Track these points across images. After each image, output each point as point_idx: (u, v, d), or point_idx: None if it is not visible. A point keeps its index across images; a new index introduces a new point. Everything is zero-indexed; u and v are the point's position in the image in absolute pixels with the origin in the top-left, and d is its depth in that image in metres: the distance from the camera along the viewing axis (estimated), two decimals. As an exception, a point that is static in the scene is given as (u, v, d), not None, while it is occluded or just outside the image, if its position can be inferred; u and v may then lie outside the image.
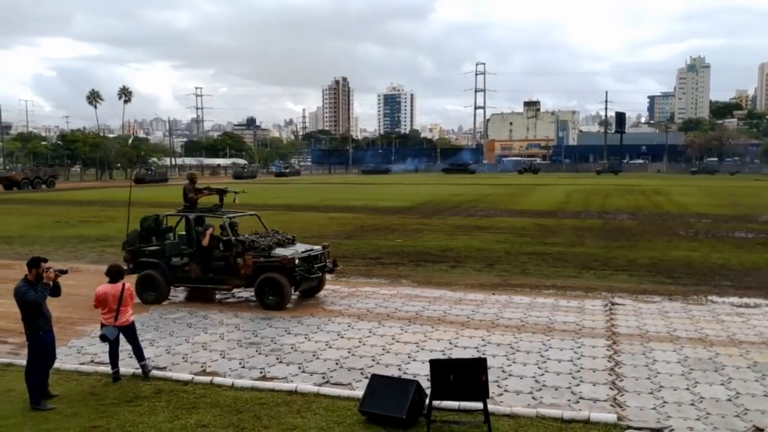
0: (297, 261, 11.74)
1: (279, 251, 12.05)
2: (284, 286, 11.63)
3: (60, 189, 58.92)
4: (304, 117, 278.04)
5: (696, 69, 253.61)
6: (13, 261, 16.51)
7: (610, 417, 6.77)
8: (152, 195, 49.09)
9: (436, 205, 37.34)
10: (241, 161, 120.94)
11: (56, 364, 7.93)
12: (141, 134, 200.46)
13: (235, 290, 12.70)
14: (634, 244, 20.04)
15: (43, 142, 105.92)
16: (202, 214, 12.88)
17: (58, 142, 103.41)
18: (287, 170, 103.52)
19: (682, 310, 11.56)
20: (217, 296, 13.02)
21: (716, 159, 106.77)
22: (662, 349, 9.20)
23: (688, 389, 7.65)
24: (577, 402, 7.28)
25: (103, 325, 8.02)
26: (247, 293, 12.76)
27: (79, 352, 9.38)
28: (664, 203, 36.99)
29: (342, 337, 9.92)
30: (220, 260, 12.29)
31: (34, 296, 7.24)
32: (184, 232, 13.07)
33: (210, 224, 12.77)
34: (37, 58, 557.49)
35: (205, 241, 12.21)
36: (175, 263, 12.48)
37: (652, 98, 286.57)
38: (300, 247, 12.53)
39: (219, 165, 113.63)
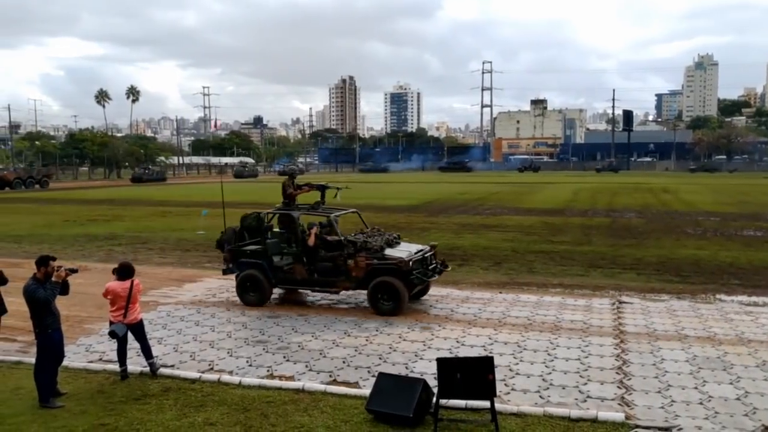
0: (412, 263, 11.07)
1: (392, 252, 11.38)
2: (401, 290, 10.91)
3: (54, 188, 58.01)
4: (311, 116, 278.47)
5: (704, 66, 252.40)
6: (21, 260, 16.60)
7: (618, 416, 6.75)
8: (157, 194, 49.28)
9: (443, 203, 37.30)
10: (249, 160, 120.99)
11: (65, 362, 7.98)
12: (149, 133, 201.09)
13: (342, 292, 11.97)
14: (642, 243, 19.96)
15: (52, 141, 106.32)
16: (307, 212, 12.36)
17: (67, 141, 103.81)
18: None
19: (690, 309, 11.51)
20: (309, 298, 12.66)
21: (725, 157, 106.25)
22: (670, 348, 9.17)
23: (696, 388, 7.62)
24: (585, 401, 7.27)
25: (111, 323, 8.05)
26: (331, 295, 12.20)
27: (88, 350, 9.42)
28: (672, 201, 36.83)
29: (349, 335, 9.92)
30: (327, 261, 11.59)
31: (44, 294, 7.28)
32: (276, 230, 12.57)
33: (314, 222, 12.24)
34: (44, 58, 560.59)
35: (311, 241, 11.58)
36: (277, 263, 11.83)
37: (659, 96, 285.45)
38: (410, 247, 11.87)
39: (226, 164, 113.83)
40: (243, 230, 12.50)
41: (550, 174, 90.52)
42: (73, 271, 7.73)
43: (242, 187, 58.21)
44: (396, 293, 10.95)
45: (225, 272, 12.59)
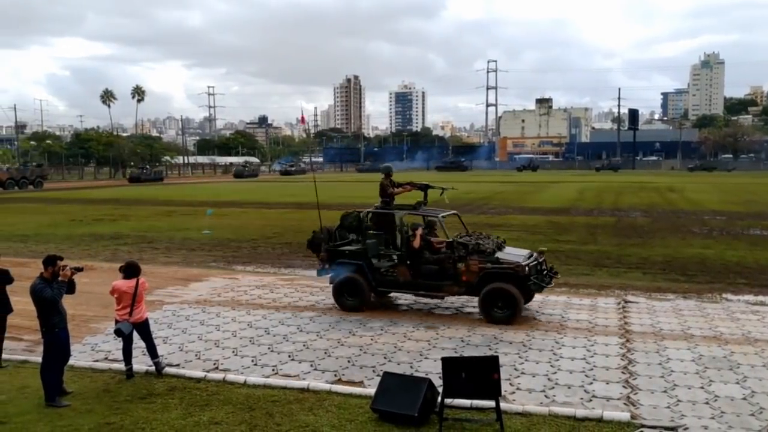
0: (529, 269, 10.49)
1: (505, 256, 10.84)
2: (517, 297, 10.33)
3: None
4: (315, 115, 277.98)
5: (710, 65, 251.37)
6: (28, 259, 16.66)
7: (624, 415, 6.73)
8: (162, 194, 49.41)
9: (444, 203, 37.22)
10: (254, 159, 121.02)
11: (71, 362, 8.01)
12: (154, 133, 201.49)
13: (447, 298, 11.44)
14: (648, 242, 19.91)
15: (57, 141, 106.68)
16: (411, 212, 11.83)
17: (73, 141, 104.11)
18: (293, 168, 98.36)
19: (696, 308, 11.47)
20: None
21: (731, 156, 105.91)
22: (676, 347, 9.14)
23: (702, 388, 7.60)
24: (590, 400, 7.25)
25: (117, 321, 8.07)
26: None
27: (93, 349, 9.45)
28: (678, 200, 36.72)
29: (354, 334, 9.93)
30: (433, 264, 11.04)
31: (51, 293, 7.32)
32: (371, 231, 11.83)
33: (419, 224, 11.75)
34: (50, 58, 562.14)
35: (416, 243, 11.05)
36: (378, 265, 11.25)
37: (665, 95, 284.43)
38: (519, 251, 11.38)
39: (231, 163, 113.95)
40: (342, 230, 12.03)
41: (550, 173, 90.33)
42: (79, 269, 7.76)
43: (243, 187, 58.33)
44: (512, 300, 10.31)
45: (320, 273, 12.02)
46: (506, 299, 10.34)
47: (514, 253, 11.15)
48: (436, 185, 12.58)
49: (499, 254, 10.80)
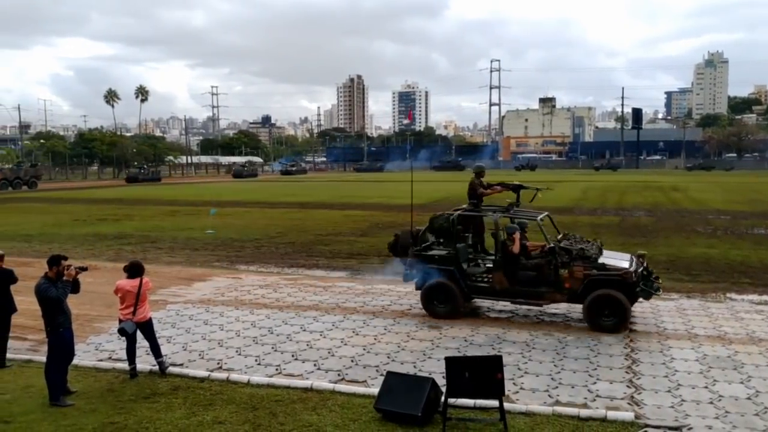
0: (636, 275, 10.06)
1: (611, 261, 10.32)
2: (626, 305, 9.82)
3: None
4: (319, 115, 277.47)
5: (714, 64, 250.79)
6: (32, 259, 16.70)
7: (627, 415, 6.72)
8: (166, 193, 49.47)
9: (452, 202, 37.19)
10: (258, 159, 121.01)
11: (75, 361, 8.02)
12: (158, 133, 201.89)
13: (546, 305, 10.92)
14: (652, 241, 19.86)
15: (61, 141, 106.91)
16: (504, 215, 11.41)
17: (77, 141, 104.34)
18: (293, 168, 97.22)
19: (700, 308, 11.45)
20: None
21: (735, 155, 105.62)
22: (680, 347, 9.12)
23: (706, 387, 7.58)
24: (594, 400, 7.24)
25: (121, 321, 8.09)
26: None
27: (97, 348, 9.47)
28: (682, 200, 36.64)
29: (357, 334, 9.93)
30: (532, 270, 10.56)
31: (56, 293, 7.35)
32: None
33: (515, 227, 11.14)
34: (54, 58, 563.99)
35: (516, 248, 10.56)
36: (470, 271, 10.82)
37: (669, 94, 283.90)
38: (621, 256, 10.94)
39: (234, 163, 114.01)
40: (430, 233, 11.40)
41: (551, 172, 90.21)
42: (83, 269, 7.79)
43: (244, 187, 58.37)
44: (620, 308, 9.82)
45: (406, 278, 11.49)
46: (613, 307, 9.84)
47: (617, 258, 10.68)
48: (530, 186, 12.21)
49: (603, 259, 10.31)
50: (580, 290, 10.10)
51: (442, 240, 11.28)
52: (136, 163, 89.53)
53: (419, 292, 11.18)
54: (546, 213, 11.78)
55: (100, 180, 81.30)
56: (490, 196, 12.13)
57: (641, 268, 10.36)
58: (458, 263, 10.79)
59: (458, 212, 11.48)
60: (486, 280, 10.75)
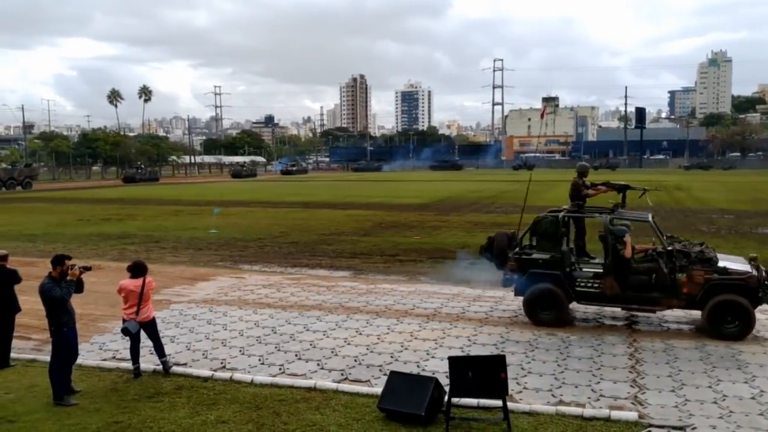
0: (759, 279, 9.53)
1: (730, 265, 9.83)
2: (750, 311, 9.37)
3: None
4: (322, 114, 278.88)
5: (717, 63, 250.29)
6: (36, 258, 16.74)
7: (631, 415, 6.71)
8: (169, 193, 49.54)
9: (454, 201, 37.23)
10: (261, 159, 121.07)
11: (79, 360, 8.04)
12: (161, 132, 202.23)
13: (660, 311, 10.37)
14: (655, 241, 19.79)
15: (65, 141, 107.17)
16: (613, 216, 11.02)
17: (80, 141, 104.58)
18: (293, 168, 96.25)
19: (704, 307, 11.39)
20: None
21: (738, 154, 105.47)
22: (684, 347, 9.11)
23: (710, 387, 7.57)
24: (598, 399, 7.23)
25: (124, 320, 8.11)
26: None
27: (101, 348, 9.49)
28: (686, 199, 36.57)
29: (360, 334, 9.93)
30: (644, 274, 10.09)
31: (60, 293, 7.37)
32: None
33: (625, 229, 10.67)
34: (58, 58, 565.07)
35: (628, 252, 10.09)
36: (578, 275, 10.27)
37: (672, 93, 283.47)
38: (736, 259, 10.45)
39: (237, 163, 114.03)
40: (533, 235, 10.88)
41: (550, 171, 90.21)
42: (87, 269, 7.81)
43: (243, 187, 58.40)
44: (744, 314, 9.35)
45: (505, 284, 11.04)
46: (737, 313, 9.38)
47: (735, 261, 10.23)
48: (636, 186, 11.80)
49: (723, 263, 9.84)
50: (699, 296, 9.61)
51: (542, 243, 10.73)
52: (138, 162, 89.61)
53: (520, 298, 10.66)
54: (651, 213, 11.35)
55: (103, 180, 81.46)
56: (595, 196, 11.69)
57: (765, 272, 9.77)
58: (564, 267, 10.33)
59: (562, 214, 10.98)
60: (595, 285, 10.20)
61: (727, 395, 7.30)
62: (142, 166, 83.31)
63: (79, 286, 7.71)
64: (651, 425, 6.52)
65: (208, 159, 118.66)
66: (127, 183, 69.30)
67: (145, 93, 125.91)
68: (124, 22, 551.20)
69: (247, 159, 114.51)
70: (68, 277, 7.50)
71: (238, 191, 50.78)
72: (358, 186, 57.18)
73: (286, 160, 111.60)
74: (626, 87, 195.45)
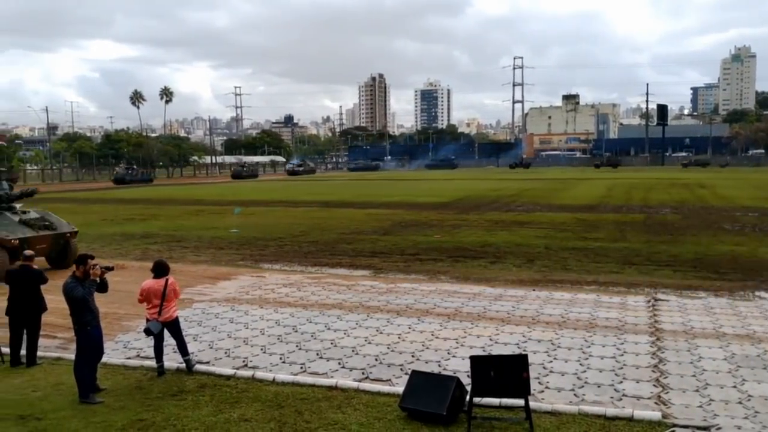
0: None
1: None
2: None
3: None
4: (341, 114, 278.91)
5: (741, 59, 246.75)
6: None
7: (655, 415, 6.64)
8: (191, 193, 49.93)
9: (474, 200, 37.12)
10: (280, 158, 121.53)
11: (104, 359, 8.14)
12: (182, 133, 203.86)
13: None
14: (678, 239, 19.62)
15: (88, 142, 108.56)
16: None
17: (103, 142, 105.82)
18: (300, 168, 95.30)
19: (728, 306, 11.28)
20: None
21: (763, 151, 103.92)
22: (708, 346, 8.99)
23: (735, 387, 7.47)
24: (620, 399, 7.17)
25: (147, 320, 8.20)
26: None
27: (126, 346, 9.60)
28: (709, 197, 36.11)
29: (381, 333, 9.94)
30: None
31: (82, 292, 7.47)
32: None
33: None
34: (80, 60, 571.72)
35: None
36: None
37: (695, 89, 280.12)
38: None
39: (257, 163, 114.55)
40: None
41: (567, 170, 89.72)
42: (109, 269, 7.92)
43: (246, 187, 58.61)
44: None
45: None
46: None
47: None
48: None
49: None
50: None
51: None
52: (161, 163, 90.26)
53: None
54: None
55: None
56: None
57: None
58: None
59: None
60: None
61: (753, 395, 7.19)
62: (134, 166, 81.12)
63: (102, 286, 7.81)
64: (675, 425, 6.46)
65: (229, 159, 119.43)
66: (118, 184, 66.92)
67: (167, 94, 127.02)
68: (145, 24, 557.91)
69: (267, 159, 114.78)
70: (90, 277, 7.61)
71: (237, 192, 51.03)
72: (376, 185, 57.23)
73: (295, 161, 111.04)
74: (647, 84, 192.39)
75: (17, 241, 14.16)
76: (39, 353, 8.92)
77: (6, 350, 8.91)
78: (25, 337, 8.78)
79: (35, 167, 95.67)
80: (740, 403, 7.00)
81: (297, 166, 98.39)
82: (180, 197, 45.17)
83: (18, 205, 16.14)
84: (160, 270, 8.32)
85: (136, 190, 57.32)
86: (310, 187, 54.10)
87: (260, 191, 50.44)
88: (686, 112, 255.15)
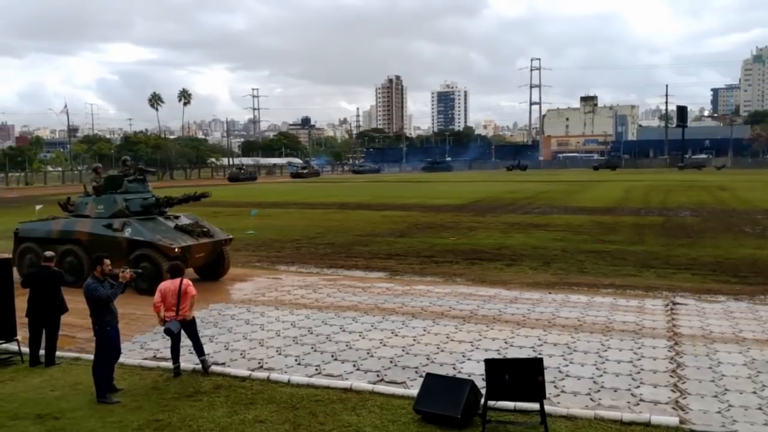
0: None
1: None
2: None
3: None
4: (357, 116, 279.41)
5: (763, 59, 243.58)
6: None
7: (672, 420, 6.57)
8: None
9: (491, 202, 36.99)
10: (297, 160, 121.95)
11: (121, 359, 8.22)
12: (200, 135, 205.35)
13: None
14: (697, 242, 19.40)
15: (108, 144, 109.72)
16: None
17: (122, 144, 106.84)
18: (305, 171, 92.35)
19: (748, 311, 11.13)
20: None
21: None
22: (727, 351, 8.88)
23: (755, 392, 7.36)
24: (637, 404, 7.10)
25: (165, 321, 8.26)
26: None
27: (142, 347, 9.68)
28: (729, 199, 35.70)
29: (396, 335, 9.93)
30: None
31: (105, 293, 7.59)
32: None
33: None
34: (100, 63, 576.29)
35: None
36: None
37: (715, 91, 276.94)
38: None
39: (275, 164, 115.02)
40: None
41: (584, 172, 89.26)
42: (138, 272, 8.07)
43: (254, 190, 58.77)
44: None
45: None
46: None
47: None
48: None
49: None
50: None
51: None
52: (179, 165, 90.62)
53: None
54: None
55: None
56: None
57: None
58: None
59: None
60: None
61: (773, 401, 7.09)
62: (99, 167, 78.81)
63: (122, 287, 7.93)
64: (692, 431, 6.38)
65: (246, 161, 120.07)
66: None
67: (185, 96, 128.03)
68: (164, 27, 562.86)
69: (284, 161, 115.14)
70: (119, 279, 7.74)
71: (266, 193, 51.20)
72: (393, 187, 57.23)
73: (297, 163, 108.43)
74: (667, 85, 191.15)
75: (180, 250, 13.01)
76: (57, 353, 9.01)
77: (25, 350, 9.02)
78: (44, 337, 8.89)
79: (58, 169, 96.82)
80: (760, 409, 6.91)
81: (301, 168, 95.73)
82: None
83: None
84: (176, 271, 8.42)
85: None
86: (329, 189, 54.22)
87: (276, 193, 50.65)
88: (706, 113, 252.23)
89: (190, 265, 13.37)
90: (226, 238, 14.82)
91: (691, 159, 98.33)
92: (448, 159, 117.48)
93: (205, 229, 14.40)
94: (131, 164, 16.24)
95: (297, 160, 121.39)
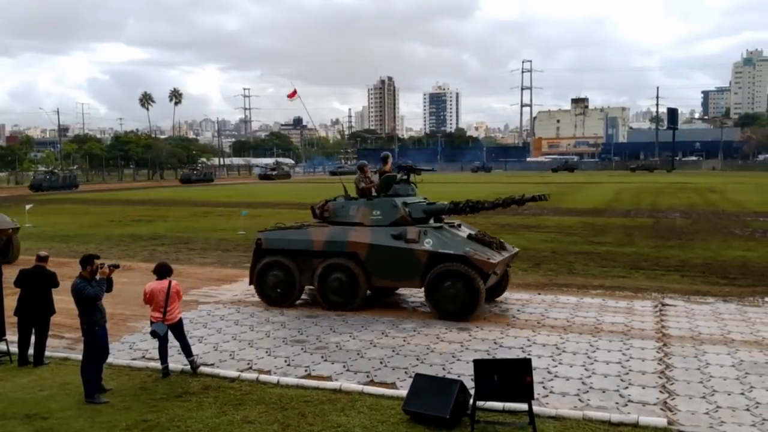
0: None
1: None
2: None
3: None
4: (350, 116, 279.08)
5: (753, 62, 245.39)
6: (69, 259, 17.04)
7: (660, 421, 6.60)
8: (200, 194, 50.05)
9: (482, 203, 36.99)
10: (288, 161, 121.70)
11: (109, 359, 8.19)
12: (191, 135, 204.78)
13: None
14: (687, 244, 19.50)
15: (98, 144, 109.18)
16: None
17: (113, 144, 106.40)
18: (273, 172, 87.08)
19: (737, 312, 11.20)
20: None
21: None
22: (716, 352, 8.93)
23: (743, 394, 7.40)
24: (626, 405, 7.13)
25: (152, 322, 8.22)
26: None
27: (131, 347, 9.63)
28: (719, 201, 35.90)
29: (386, 335, 9.93)
30: None
31: (93, 291, 7.53)
32: None
33: None
34: (92, 63, 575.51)
35: None
36: None
37: (706, 93, 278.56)
38: None
39: (265, 165, 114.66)
40: None
41: (577, 174, 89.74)
42: (116, 266, 7.99)
43: (249, 190, 58.57)
44: None
45: None
46: None
47: None
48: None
49: None
50: None
51: None
52: (170, 165, 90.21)
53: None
54: None
55: (134, 182, 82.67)
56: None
57: None
58: None
59: None
60: None
61: (761, 402, 7.12)
62: (54, 170, 70.42)
63: (109, 285, 7.86)
64: (680, 432, 6.41)
65: (237, 161, 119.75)
66: (35, 191, 56.66)
67: (176, 96, 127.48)
68: (157, 27, 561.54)
69: (271, 161, 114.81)
70: (98, 276, 7.66)
71: (258, 193, 51.11)
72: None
73: (266, 165, 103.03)
74: (658, 87, 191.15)
75: (494, 265, 10.75)
76: (46, 353, 8.96)
77: (14, 349, 8.96)
78: (33, 337, 8.84)
79: (47, 168, 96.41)
80: (748, 410, 6.94)
81: (270, 169, 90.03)
82: (187, 198, 45.34)
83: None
84: (163, 272, 8.36)
85: (145, 191, 57.54)
86: (318, 189, 54.13)
87: (270, 193, 50.53)
88: (697, 115, 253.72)
89: (489, 283, 11.01)
90: (514, 252, 12.53)
91: (642, 161, 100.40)
92: (435, 164, 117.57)
93: (501, 241, 12.21)
94: (401, 163, 13.72)
95: (289, 160, 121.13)
